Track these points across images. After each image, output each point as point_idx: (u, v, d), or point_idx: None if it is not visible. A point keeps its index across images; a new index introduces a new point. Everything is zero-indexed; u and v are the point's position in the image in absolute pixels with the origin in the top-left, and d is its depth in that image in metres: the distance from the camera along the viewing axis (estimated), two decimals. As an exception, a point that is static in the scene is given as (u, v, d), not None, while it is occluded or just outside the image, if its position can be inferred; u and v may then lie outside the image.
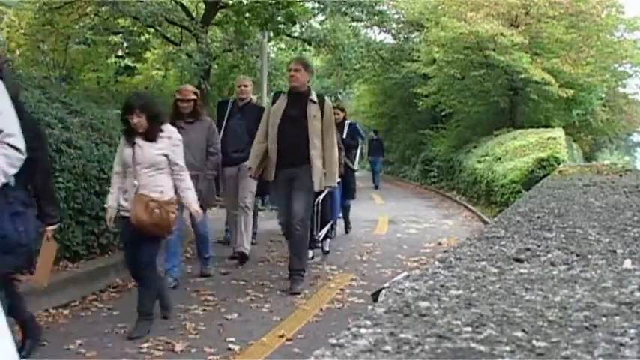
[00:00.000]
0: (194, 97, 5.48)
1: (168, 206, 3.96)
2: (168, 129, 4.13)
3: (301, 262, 5.24)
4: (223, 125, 6.25)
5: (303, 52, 19.64)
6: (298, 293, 5.02)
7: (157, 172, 4.02)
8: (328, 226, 6.61)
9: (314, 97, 5.19)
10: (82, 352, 3.67)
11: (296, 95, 5.17)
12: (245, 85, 6.41)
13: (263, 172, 5.28)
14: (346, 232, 8.47)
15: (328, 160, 5.14)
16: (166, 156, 4.03)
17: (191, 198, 4.20)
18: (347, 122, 7.92)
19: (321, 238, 6.39)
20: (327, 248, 6.85)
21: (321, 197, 5.76)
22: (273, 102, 5.27)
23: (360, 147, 9.02)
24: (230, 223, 6.60)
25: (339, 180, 5.62)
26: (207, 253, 5.71)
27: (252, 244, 6.52)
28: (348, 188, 7.78)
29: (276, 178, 5.17)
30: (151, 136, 4.00)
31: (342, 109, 7.90)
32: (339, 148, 6.07)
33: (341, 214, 8.30)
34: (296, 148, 5.03)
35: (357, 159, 8.30)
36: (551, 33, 15.34)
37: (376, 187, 17.69)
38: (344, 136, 7.57)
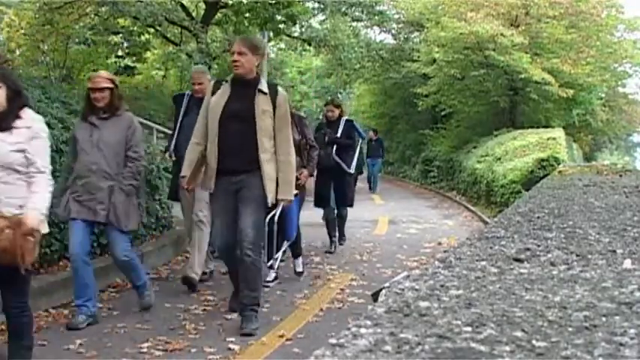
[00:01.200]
0: (109, 85, 4.33)
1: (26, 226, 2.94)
2: (29, 115, 3.10)
3: (255, 294, 4.14)
4: (178, 123, 5.41)
5: (303, 52, 19.66)
6: (252, 335, 3.99)
7: (13, 175, 3.01)
8: (280, 253, 5.51)
9: (264, 86, 4.17)
10: (81, 352, 3.67)
11: (241, 85, 4.16)
12: (200, 83, 5.30)
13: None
14: (340, 243, 7.41)
15: (283, 167, 4.12)
16: (24, 152, 3.01)
17: (34, 205, 3.00)
18: (343, 119, 7.14)
19: (276, 267, 5.46)
20: (299, 269, 5.78)
21: (277, 213, 4.75)
22: (213, 92, 4.20)
23: (359, 147, 8.23)
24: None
25: (296, 192, 4.46)
26: (139, 281, 4.53)
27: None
28: (343, 194, 7.08)
29: (217, 188, 4.14)
30: (5, 123, 3.00)
31: (338, 106, 7.30)
32: (312, 146, 5.63)
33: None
34: (241, 151, 4.05)
35: (355, 161, 7.30)
36: (551, 33, 15.34)
37: (372, 188, 16.66)
38: (338, 134, 6.94)
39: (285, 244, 5.55)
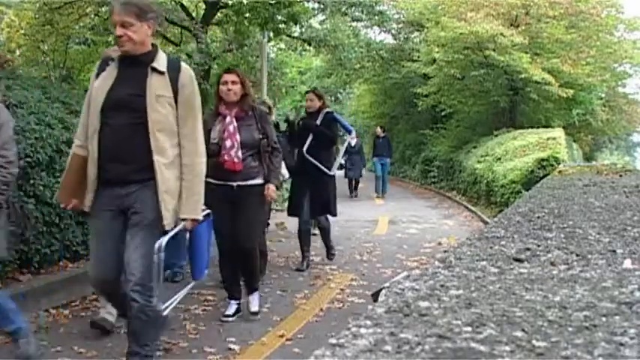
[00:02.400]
0: None
1: None
2: None
3: (146, 352, 3.08)
4: None
5: (303, 52, 19.65)
6: None
7: None
8: (179, 295, 3.57)
9: (160, 63, 3.08)
10: (82, 351, 3.67)
11: (130, 63, 3.09)
12: None
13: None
14: (329, 257, 6.51)
15: (187, 174, 3.07)
16: None
17: None
18: (323, 111, 6.05)
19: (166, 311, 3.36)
20: (254, 308, 4.51)
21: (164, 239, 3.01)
22: (98, 75, 3.16)
23: (345, 144, 7.57)
24: None
25: (206, 210, 3.29)
26: (13, 324, 3.38)
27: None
28: (321, 202, 6.05)
29: (96, 204, 3.08)
30: None
31: (319, 96, 6.18)
32: (274, 149, 4.50)
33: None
34: (128, 153, 3.00)
35: (338, 161, 6.47)
36: (551, 33, 15.34)
37: (379, 192, 14.95)
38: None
39: (185, 290, 3.63)
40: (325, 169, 5.97)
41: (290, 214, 6.29)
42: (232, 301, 4.49)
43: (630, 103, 20.88)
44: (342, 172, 14.06)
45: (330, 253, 6.51)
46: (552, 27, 15.29)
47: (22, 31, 15.53)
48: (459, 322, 0.76)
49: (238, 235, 4.33)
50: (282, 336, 3.99)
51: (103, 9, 13.62)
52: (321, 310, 4.68)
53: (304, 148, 5.92)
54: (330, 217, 6.32)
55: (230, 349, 3.75)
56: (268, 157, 4.45)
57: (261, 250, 5.06)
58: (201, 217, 3.18)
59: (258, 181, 4.41)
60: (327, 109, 6.16)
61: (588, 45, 16.07)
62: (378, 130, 15.67)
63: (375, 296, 3.75)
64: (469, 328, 0.74)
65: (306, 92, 6.54)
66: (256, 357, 3.65)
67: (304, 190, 6.05)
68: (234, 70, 4.53)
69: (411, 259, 6.75)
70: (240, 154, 4.26)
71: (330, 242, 6.50)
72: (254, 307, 4.49)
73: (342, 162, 14.12)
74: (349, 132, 6.57)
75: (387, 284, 3.52)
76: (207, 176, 3.28)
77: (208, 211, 3.37)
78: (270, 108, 6.43)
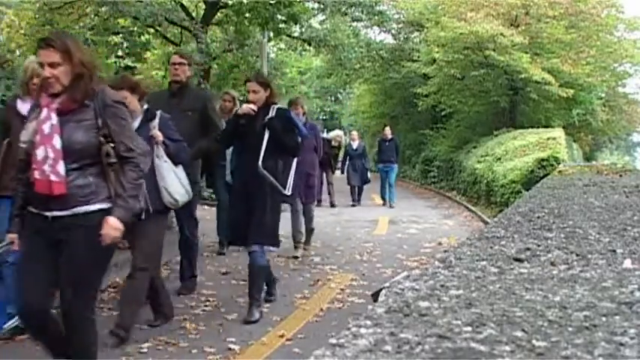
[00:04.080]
0: None
1: None
2: None
3: None
4: None
5: (303, 52, 19.67)
6: None
7: None
8: None
9: None
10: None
11: None
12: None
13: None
14: (268, 299, 4.81)
15: None
16: None
17: None
18: (274, 107, 4.48)
19: None
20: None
21: None
22: None
23: (299, 150, 4.86)
24: None
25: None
26: None
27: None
28: (259, 227, 4.32)
29: None
30: None
31: (265, 84, 4.49)
32: (126, 159, 2.83)
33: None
34: None
35: (292, 177, 4.55)
36: (551, 33, 15.35)
37: (386, 200, 12.87)
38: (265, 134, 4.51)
39: None
40: (281, 188, 4.42)
41: (231, 242, 4.81)
42: None
43: (630, 103, 20.88)
44: (341, 176, 13.51)
45: (270, 296, 4.83)
46: (552, 27, 15.30)
47: (22, 31, 15.53)
48: (459, 322, 0.76)
49: (61, 295, 2.79)
50: (282, 336, 3.99)
51: (103, 9, 13.61)
52: (321, 310, 4.68)
53: (260, 160, 4.29)
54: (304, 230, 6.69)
55: (230, 349, 3.75)
56: (114, 172, 2.80)
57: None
58: None
59: (93, 207, 2.75)
60: (279, 106, 4.59)
61: (588, 45, 16.08)
62: (387, 131, 13.29)
63: (375, 296, 3.76)
64: (469, 328, 0.74)
65: (246, 81, 4.76)
66: (256, 357, 3.65)
67: (243, 211, 4.37)
68: (49, 40, 2.73)
69: (411, 259, 6.75)
70: (61, 168, 2.68)
71: (262, 283, 4.55)
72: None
73: (340, 165, 13.73)
74: (303, 137, 4.84)
75: (387, 284, 3.53)
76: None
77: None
78: (234, 99, 6.27)
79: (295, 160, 4.62)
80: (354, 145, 13.30)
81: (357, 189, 12.96)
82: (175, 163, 3.98)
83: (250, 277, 4.41)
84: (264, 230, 4.31)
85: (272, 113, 4.41)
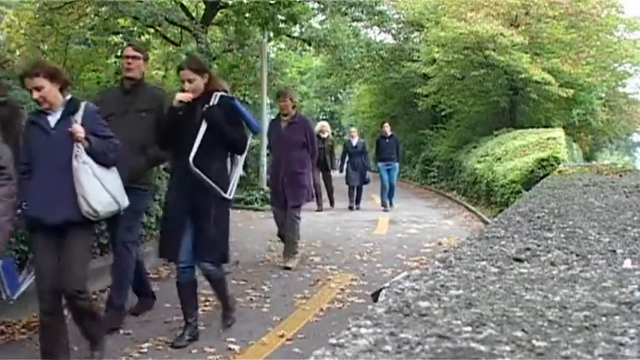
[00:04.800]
0: None
1: None
2: None
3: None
4: None
5: (303, 52, 19.67)
6: None
7: None
8: None
9: None
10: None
11: None
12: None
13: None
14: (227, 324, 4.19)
15: None
16: None
17: None
18: (217, 95, 3.84)
19: None
20: None
21: None
22: None
23: (246, 145, 4.03)
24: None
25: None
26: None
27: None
28: (210, 239, 3.81)
29: None
30: None
31: (199, 69, 3.86)
32: None
33: None
34: None
35: (236, 177, 3.95)
36: (551, 33, 15.36)
37: (386, 205, 11.87)
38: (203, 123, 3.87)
39: None
40: (220, 190, 3.77)
41: (162, 255, 4.10)
42: None
43: (630, 103, 20.89)
44: (341, 175, 12.35)
45: (227, 317, 4.17)
46: (552, 27, 15.30)
47: (22, 31, 15.55)
48: (459, 322, 0.76)
49: None
50: (282, 336, 4.00)
51: (103, 9, 13.63)
52: (321, 310, 4.68)
53: (191, 155, 3.68)
54: (292, 229, 5.98)
55: (230, 349, 3.75)
56: None
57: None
58: None
59: None
60: (222, 93, 3.91)
61: (588, 45, 16.08)
62: (386, 127, 12.21)
63: (375, 296, 3.76)
64: (469, 328, 0.74)
65: (179, 69, 4.00)
66: (256, 357, 3.65)
67: (183, 219, 3.81)
68: None
69: (411, 259, 6.75)
70: None
71: (227, 300, 4.17)
72: None
73: (339, 163, 12.85)
74: (254, 130, 4.11)
75: (387, 284, 3.52)
76: None
77: None
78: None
79: (242, 158, 4.01)
80: (354, 142, 12.25)
81: (355, 190, 11.94)
82: (104, 165, 3.36)
83: (213, 287, 4.10)
84: (212, 247, 3.81)
85: (213, 102, 3.83)
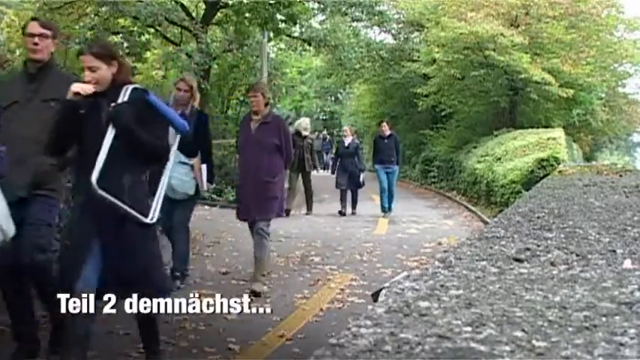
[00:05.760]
0: None
1: None
2: None
3: None
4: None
5: (303, 52, 19.66)
6: None
7: None
8: None
9: None
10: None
11: None
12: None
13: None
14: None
15: None
16: None
17: None
18: (127, 88, 3.00)
19: None
20: None
21: None
22: None
23: (168, 152, 3.19)
24: None
25: None
26: None
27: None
28: (136, 271, 3.02)
29: None
30: None
31: (107, 56, 3.01)
32: None
33: None
34: None
35: (160, 197, 3.05)
36: (551, 33, 15.35)
37: (385, 210, 10.70)
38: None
39: None
40: (140, 216, 2.91)
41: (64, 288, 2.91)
42: None
43: (630, 103, 20.87)
44: (328, 175, 11.38)
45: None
46: (552, 27, 15.30)
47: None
48: (459, 322, 0.76)
49: None
50: (282, 336, 3.99)
51: (103, 9, 13.63)
52: (321, 310, 4.68)
53: (93, 174, 2.78)
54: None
55: (230, 349, 3.75)
56: None
57: None
58: None
59: None
60: (135, 84, 3.09)
61: (588, 45, 16.08)
62: (384, 126, 11.00)
63: (375, 296, 3.76)
64: (469, 328, 0.74)
65: (78, 53, 3.38)
66: (256, 357, 3.65)
67: (88, 245, 2.91)
68: None
69: (411, 259, 6.75)
70: None
71: (157, 340, 3.43)
72: None
73: (329, 163, 11.86)
74: (181, 131, 3.20)
75: (387, 284, 3.52)
76: None
77: None
78: (191, 88, 4.93)
79: (169, 167, 3.10)
80: (346, 141, 11.16)
81: (348, 194, 10.94)
82: None
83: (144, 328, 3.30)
84: (151, 280, 3.08)
85: (123, 97, 2.93)
